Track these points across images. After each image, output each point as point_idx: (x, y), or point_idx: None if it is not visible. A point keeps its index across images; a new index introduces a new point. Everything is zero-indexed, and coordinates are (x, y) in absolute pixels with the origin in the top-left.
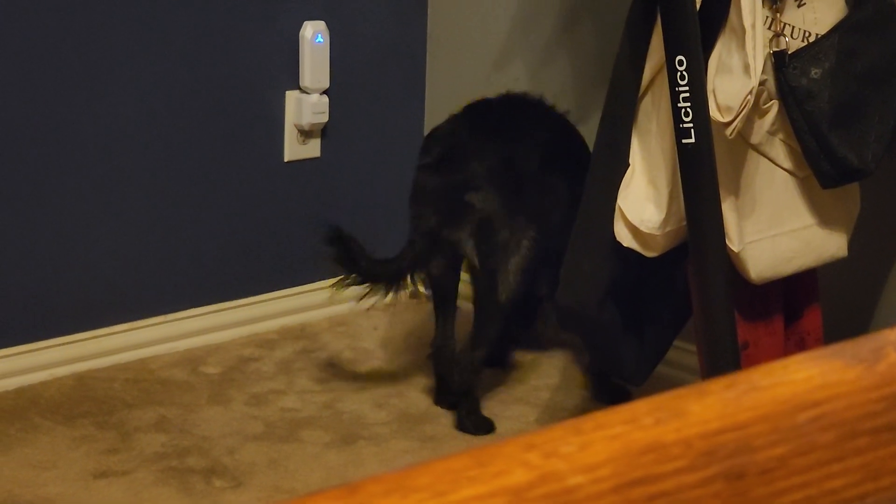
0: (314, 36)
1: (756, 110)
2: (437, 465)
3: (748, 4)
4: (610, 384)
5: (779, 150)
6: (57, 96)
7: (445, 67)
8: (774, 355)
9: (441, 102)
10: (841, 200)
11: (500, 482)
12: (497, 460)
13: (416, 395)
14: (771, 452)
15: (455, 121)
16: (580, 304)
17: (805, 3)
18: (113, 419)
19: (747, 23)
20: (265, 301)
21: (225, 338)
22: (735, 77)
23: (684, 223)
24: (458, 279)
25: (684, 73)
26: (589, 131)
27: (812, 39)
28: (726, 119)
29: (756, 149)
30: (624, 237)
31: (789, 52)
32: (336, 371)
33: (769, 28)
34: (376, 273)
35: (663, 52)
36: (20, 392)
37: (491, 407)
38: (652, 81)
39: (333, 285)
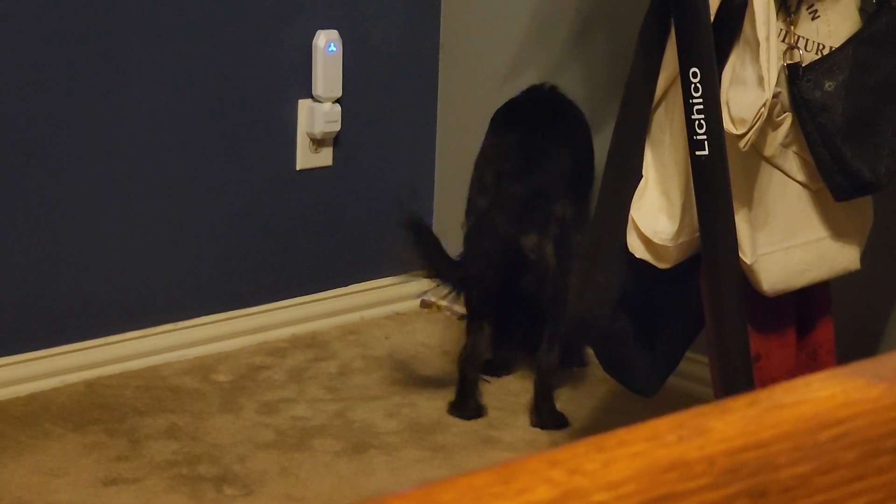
0: (327, 45)
1: (770, 123)
2: (461, 482)
3: (762, 17)
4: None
5: (792, 163)
6: (68, 101)
7: (458, 77)
8: (786, 367)
9: (453, 112)
10: (854, 213)
11: (523, 499)
12: (521, 477)
13: (427, 405)
14: (793, 470)
15: (521, 119)
16: (592, 314)
17: (819, 16)
18: (124, 426)
19: (761, 35)
20: (276, 309)
21: (236, 346)
22: (749, 89)
23: (697, 235)
24: (508, 288)
25: (698, 84)
26: (602, 142)
27: (826, 52)
28: (740, 131)
29: (769, 161)
30: (636, 248)
31: (803, 65)
32: (347, 380)
33: (783, 40)
34: (451, 272)
35: (677, 64)
36: (31, 398)
37: (501, 418)
38: (665, 93)
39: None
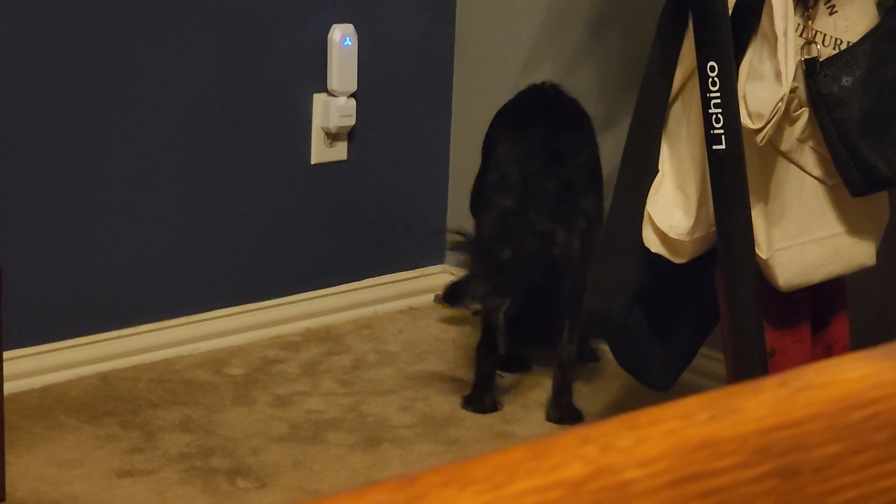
0: (342, 39)
1: (786, 117)
2: (495, 458)
3: (780, 11)
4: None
5: (808, 158)
6: (85, 96)
7: (472, 72)
8: (801, 363)
9: (468, 107)
10: (870, 209)
11: (556, 475)
12: (554, 453)
13: (440, 399)
14: (825, 451)
15: (537, 117)
16: (607, 308)
17: (837, 11)
18: (138, 419)
19: (779, 30)
20: (290, 303)
21: (249, 339)
22: (766, 84)
23: (713, 229)
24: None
25: (716, 79)
26: (617, 137)
27: (843, 47)
28: (757, 126)
29: (786, 156)
30: (652, 243)
31: (820, 60)
32: (361, 374)
33: (801, 35)
34: (500, 274)
35: (694, 58)
36: (46, 391)
37: (514, 412)
38: (682, 87)
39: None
